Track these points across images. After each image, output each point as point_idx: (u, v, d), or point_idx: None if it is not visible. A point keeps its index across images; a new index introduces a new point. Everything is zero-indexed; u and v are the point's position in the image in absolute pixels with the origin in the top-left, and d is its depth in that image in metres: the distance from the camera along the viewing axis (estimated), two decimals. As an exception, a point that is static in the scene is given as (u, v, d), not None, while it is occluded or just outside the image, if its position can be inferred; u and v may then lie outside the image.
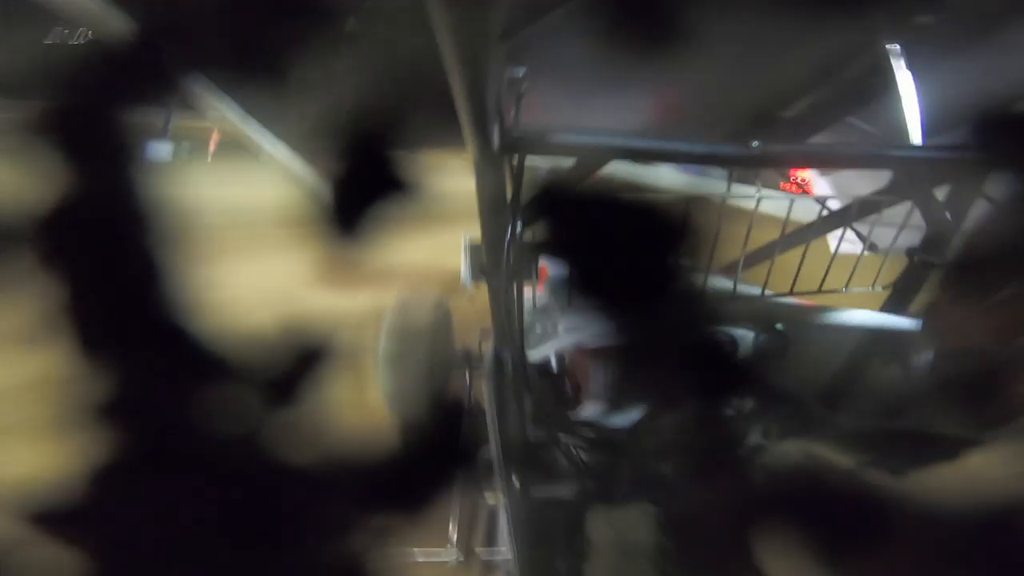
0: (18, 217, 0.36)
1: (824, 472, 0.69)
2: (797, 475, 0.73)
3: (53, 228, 0.37)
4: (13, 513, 0.34)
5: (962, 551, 0.52)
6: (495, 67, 0.62)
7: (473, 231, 1.06)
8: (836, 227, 1.26)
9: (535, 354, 1.23)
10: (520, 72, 0.70)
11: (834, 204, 1.26)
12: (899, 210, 1.16)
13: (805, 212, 1.26)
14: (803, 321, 1.32)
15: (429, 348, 1.80)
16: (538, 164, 0.89)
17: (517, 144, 0.73)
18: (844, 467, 0.67)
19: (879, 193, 1.18)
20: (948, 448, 0.62)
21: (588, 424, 1.23)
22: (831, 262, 1.20)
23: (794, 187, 1.71)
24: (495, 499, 1.33)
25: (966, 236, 0.99)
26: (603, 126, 0.80)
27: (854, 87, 0.86)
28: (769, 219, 1.13)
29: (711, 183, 1.03)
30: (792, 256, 1.23)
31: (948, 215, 1.05)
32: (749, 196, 1.00)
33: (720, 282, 1.29)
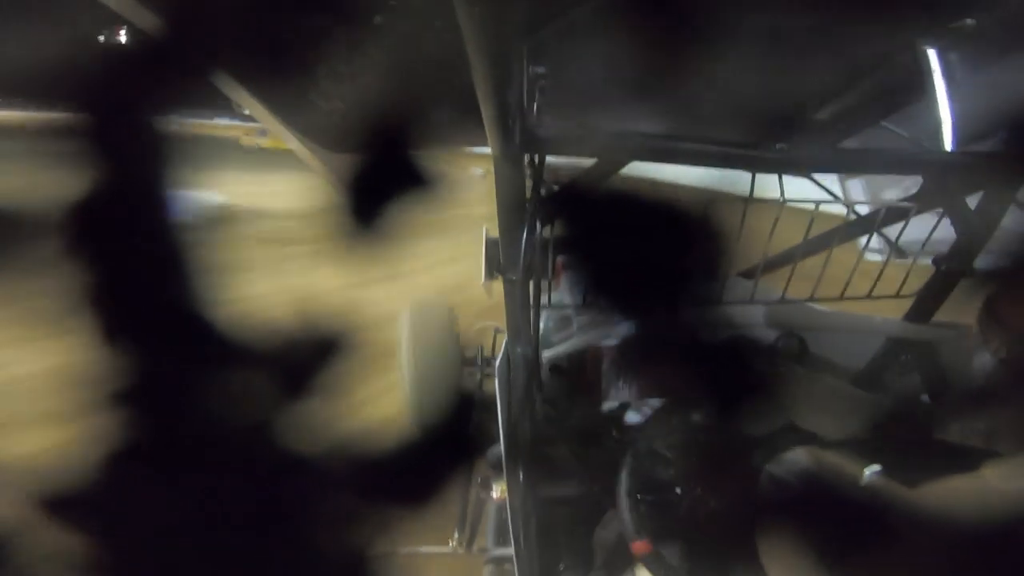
0: (42, 208, 0.37)
1: (835, 479, 0.68)
2: (808, 481, 0.72)
3: (76, 219, 0.38)
4: (23, 497, 0.35)
5: (972, 562, 0.51)
6: (517, 65, 0.62)
7: (492, 228, 1.06)
8: (863, 233, 1.23)
9: (549, 351, 1.23)
10: (541, 70, 0.69)
11: (862, 209, 1.23)
12: (926, 218, 1.14)
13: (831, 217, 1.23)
14: (822, 327, 1.30)
15: (444, 350, 1.83)
16: (558, 162, 0.89)
17: (538, 142, 0.73)
18: (855, 475, 0.66)
19: (908, 199, 1.15)
20: (964, 459, 0.61)
21: (600, 423, 1.22)
22: (855, 268, 1.18)
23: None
24: (502, 496, 1.33)
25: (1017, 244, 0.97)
26: (623, 126, 0.79)
27: (888, 90, 0.84)
28: (794, 222, 1.11)
29: (735, 184, 1.02)
30: (816, 260, 1.21)
31: (979, 223, 1.02)
32: (773, 200, 0.98)
33: (741, 285, 1.28)
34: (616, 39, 0.68)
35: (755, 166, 0.82)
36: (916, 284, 1.18)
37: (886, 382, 1.29)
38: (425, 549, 1.29)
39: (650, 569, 0.87)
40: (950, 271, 1.10)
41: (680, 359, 0.72)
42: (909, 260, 1.18)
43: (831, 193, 1.18)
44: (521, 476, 1.05)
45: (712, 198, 0.92)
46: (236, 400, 0.43)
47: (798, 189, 1.08)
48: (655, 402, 1.20)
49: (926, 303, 1.18)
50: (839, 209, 1.24)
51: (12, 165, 0.39)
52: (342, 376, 0.48)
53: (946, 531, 0.54)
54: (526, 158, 0.79)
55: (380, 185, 0.57)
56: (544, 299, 1.05)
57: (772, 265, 1.36)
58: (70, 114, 0.38)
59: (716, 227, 0.85)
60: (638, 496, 0.90)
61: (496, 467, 1.20)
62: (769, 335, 1.32)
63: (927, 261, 1.14)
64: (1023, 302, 0.67)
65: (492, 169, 0.74)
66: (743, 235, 1.00)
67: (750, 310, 1.25)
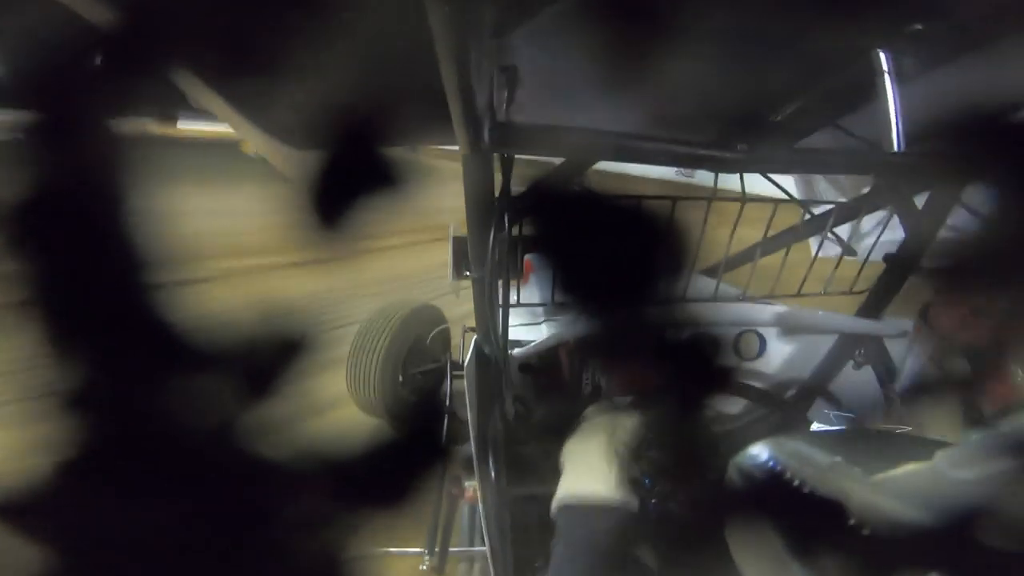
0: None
1: (798, 471, 0.70)
2: (772, 474, 0.74)
3: (25, 216, 0.36)
4: None
5: (929, 550, 0.53)
6: (486, 64, 0.62)
7: (459, 226, 1.06)
8: (817, 232, 1.28)
9: (518, 350, 1.23)
10: (510, 69, 0.70)
11: (816, 209, 1.28)
12: (879, 216, 1.19)
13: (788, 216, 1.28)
14: (781, 323, 1.34)
15: (398, 348, 1.86)
16: (526, 160, 0.89)
17: (506, 140, 0.73)
18: (817, 466, 0.68)
19: (860, 199, 1.20)
20: (919, 448, 0.63)
21: (569, 420, 1.23)
22: (811, 266, 1.22)
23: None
24: (473, 495, 1.33)
25: (959, 240, 1.01)
26: (591, 125, 0.80)
27: (842, 92, 0.87)
28: (753, 221, 1.14)
29: (698, 183, 1.04)
30: (774, 259, 1.25)
31: (926, 222, 1.07)
32: (735, 199, 1.01)
33: (703, 283, 1.31)
34: (584, 39, 0.68)
35: (717, 166, 0.84)
36: (869, 282, 1.23)
37: (840, 375, 1.34)
38: (397, 550, 1.27)
39: None
40: (899, 268, 1.15)
41: (645, 356, 0.73)
42: (861, 258, 1.23)
43: (787, 193, 1.22)
44: (492, 475, 1.05)
45: (676, 196, 0.94)
46: (198, 403, 0.42)
47: (759, 189, 1.12)
48: (622, 399, 1.22)
49: (877, 299, 1.23)
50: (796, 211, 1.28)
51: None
52: (307, 377, 0.47)
53: (903, 519, 0.56)
54: (495, 156, 0.79)
55: (345, 183, 0.56)
56: (512, 298, 1.05)
57: (733, 263, 1.40)
58: (17, 111, 0.36)
59: (680, 225, 0.87)
60: None
61: (467, 466, 1.19)
62: (731, 332, 1.36)
63: (879, 259, 1.19)
64: (952, 308, 0.70)
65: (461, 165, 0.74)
66: (705, 233, 1.03)
67: (712, 307, 1.28)
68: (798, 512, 0.67)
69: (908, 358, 1.21)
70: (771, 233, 1.18)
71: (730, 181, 0.95)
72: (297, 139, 0.77)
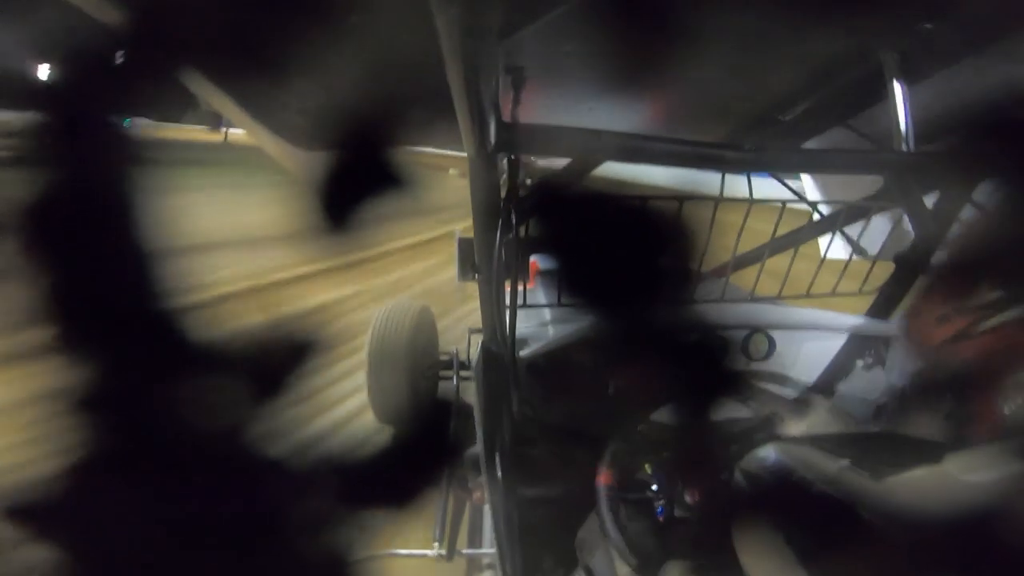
0: (1, 208, 0.35)
1: (806, 473, 0.69)
2: (779, 476, 0.73)
3: (36, 220, 0.36)
4: None
5: (938, 553, 0.52)
6: (492, 65, 0.62)
7: (465, 227, 1.06)
8: (826, 232, 1.27)
9: (525, 351, 1.23)
10: (516, 70, 0.70)
11: (825, 209, 1.27)
12: (889, 216, 1.18)
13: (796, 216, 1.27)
14: (791, 324, 1.34)
15: (411, 352, 1.84)
16: (532, 162, 0.89)
17: (512, 141, 0.73)
18: (825, 469, 0.67)
19: (869, 199, 1.19)
20: (928, 452, 0.63)
21: (575, 421, 1.23)
22: (819, 266, 1.21)
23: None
24: (481, 497, 1.33)
25: (948, 243, 1.01)
26: (598, 126, 0.80)
27: (851, 92, 0.86)
28: (761, 222, 1.14)
29: (706, 184, 1.04)
30: (782, 259, 1.25)
31: (936, 222, 1.06)
32: (742, 199, 1.00)
33: (711, 283, 1.30)
34: (590, 41, 0.68)
35: (725, 166, 0.84)
36: (878, 282, 1.22)
37: (850, 376, 1.33)
38: (404, 552, 1.28)
39: (606, 502, 0.90)
40: (909, 268, 1.14)
41: (653, 357, 0.73)
42: (871, 258, 1.22)
43: (796, 193, 1.22)
44: (500, 476, 1.05)
45: (683, 196, 0.93)
46: (207, 405, 0.42)
47: (765, 190, 1.11)
48: (629, 399, 1.21)
49: (887, 300, 1.22)
50: (805, 211, 1.28)
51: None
52: (316, 378, 0.47)
53: (912, 522, 0.56)
54: (501, 158, 0.79)
55: (353, 184, 0.56)
56: (519, 298, 1.05)
57: (741, 264, 1.39)
58: (28, 113, 0.36)
59: (688, 226, 0.87)
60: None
61: (475, 468, 1.19)
62: (740, 333, 1.35)
63: (889, 259, 1.18)
64: (931, 319, 0.69)
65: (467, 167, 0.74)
66: (713, 234, 1.02)
67: (720, 308, 1.27)
68: (806, 515, 0.67)
69: (895, 364, 1.21)
70: (779, 233, 1.17)
71: (734, 191, 0.95)
72: (305, 140, 0.78)
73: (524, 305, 1.13)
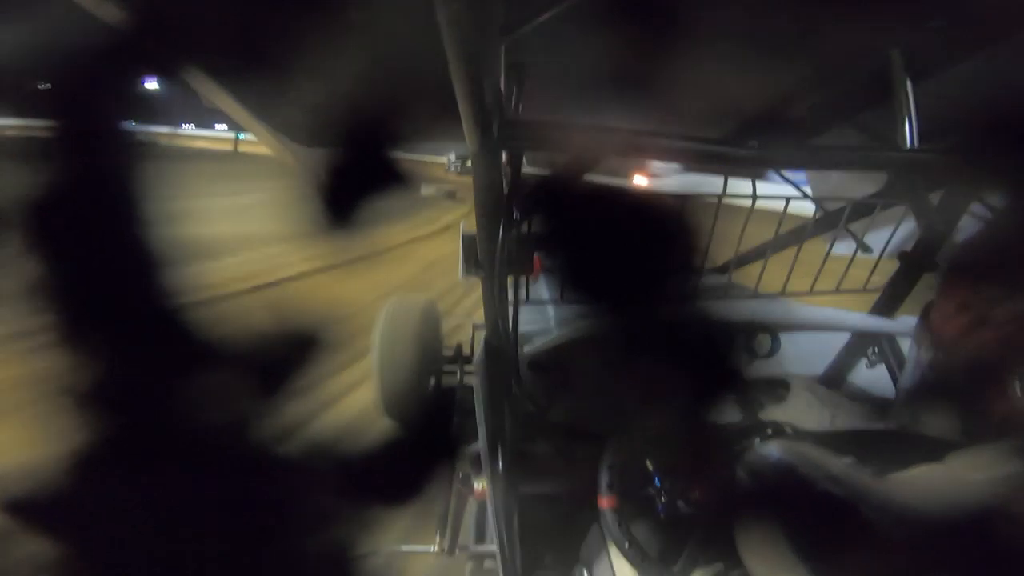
0: (9, 208, 0.36)
1: (809, 471, 0.69)
2: (782, 473, 0.73)
3: (40, 215, 0.36)
4: None
5: (942, 551, 0.52)
6: (495, 61, 0.62)
7: (468, 224, 1.06)
8: (830, 229, 1.26)
9: (528, 347, 1.23)
10: (519, 66, 0.69)
11: (829, 206, 1.26)
12: (893, 213, 1.17)
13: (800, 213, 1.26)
14: (794, 321, 1.33)
15: (417, 348, 1.84)
16: (536, 158, 0.89)
17: (515, 137, 0.73)
18: (828, 467, 0.67)
19: (874, 196, 1.19)
20: (932, 450, 0.63)
21: (577, 418, 1.23)
22: (823, 263, 1.21)
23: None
24: (483, 493, 1.33)
25: (964, 240, 1.00)
26: (601, 122, 0.80)
27: (857, 89, 0.86)
28: (764, 218, 1.13)
29: (709, 180, 1.03)
30: (786, 256, 1.24)
31: (941, 219, 1.06)
32: (745, 196, 1.00)
33: (714, 280, 1.30)
34: (594, 37, 0.68)
35: (729, 162, 0.83)
36: (882, 279, 1.22)
37: (854, 374, 1.32)
38: (407, 548, 1.28)
39: (607, 528, 0.90)
40: (913, 266, 1.14)
41: (655, 353, 0.73)
42: (875, 255, 1.21)
43: (800, 189, 1.21)
44: (502, 473, 1.05)
45: (686, 193, 0.93)
46: (211, 400, 0.42)
47: (768, 189, 1.11)
48: (632, 397, 1.21)
49: (891, 297, 1.21)
50: (808, 209, 1.27)
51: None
52: (320, 373, 0.47)
53: (916, 520, 0.55)
54: (504, 154, 0.79)
55: (356, 181, 0.56)
56: (522, 294, 1.05)
57: (744, 261, 1.39)
58: (32, 114, 0.36)
59: (691, 222, 0.86)
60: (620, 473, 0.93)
61: (477, 464, 1.20)
62: (743, 330, 1.35)
63: (894, 257, 1.17)
64: (951, 310, 0.68)
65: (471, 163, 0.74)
66: (716, 231, 1.02)
67: (724, 305, 1.27)
68: (808, 512, 0.66)
69: (909, 359, 1.20)
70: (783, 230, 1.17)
71: (737, 191, 0.95)
72: (307, 137, 0.78)
73: (527, 301, 1.13)
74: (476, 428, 1.09)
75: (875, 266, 1.22)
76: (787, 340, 1.38)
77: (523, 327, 1.12)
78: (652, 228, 0.72)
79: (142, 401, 0.40)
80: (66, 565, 0.35)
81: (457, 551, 1.34)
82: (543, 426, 1.22)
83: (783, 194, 1.14)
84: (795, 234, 1.30)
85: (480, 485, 1.32)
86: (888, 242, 1.17)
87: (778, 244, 1.26)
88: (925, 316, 0.76)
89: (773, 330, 1.37)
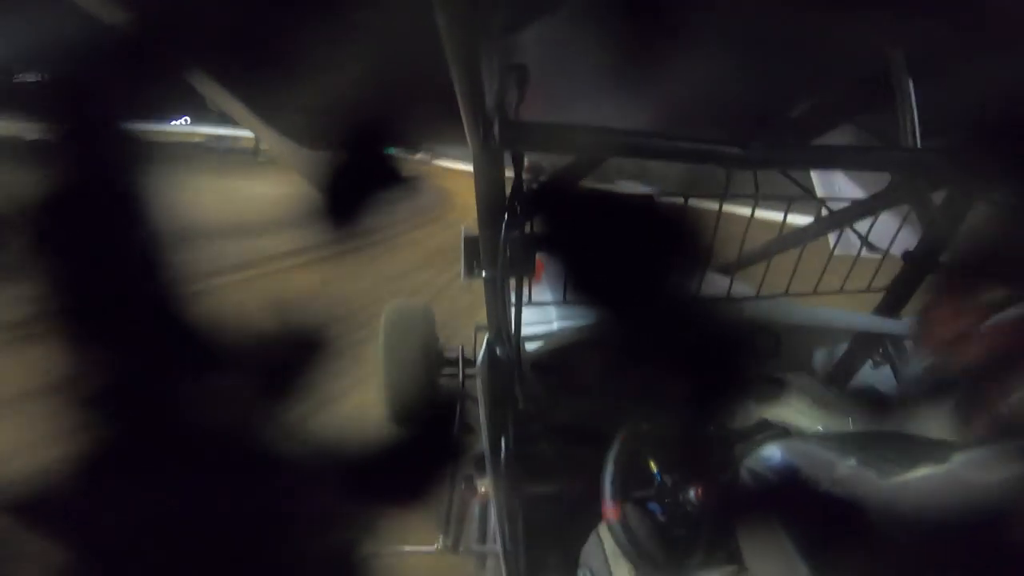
0: (10, 206, 0.36)
1: (813, 472, 0.69)
2: (785, 475, 0.73)
3: (45, 217, 0.37)
4: None
5: (946, 554, 0.52)
6: (495, 62, 0.62)
7: (470, 225, 1.06)
8: (834, 229, 1.26)
9: (531, 348, 1.23)
10: (520, 67, 0.69)
11: (833, 205, 1.26)
12: (897, 214, 1.17)
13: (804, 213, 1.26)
14: (798, 322, 1.33)
15: (422, 351, 1.85)
16: (537, 159, 0.89)
17: (516, 138, 0.73)
18: (831, 468, 0.67)
19: (878, 196, 1.18)
20: (935, 451, 0.62)
21: (580, 419, 1.23)
22: (827, 263, 1.21)
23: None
24: (486, 493, 1.33)
25: (960, 241, 1.00)
26: (603, 123, 0.80)
27: (859, 89, 0.86)
28: (765, 223, 1.13)
29: (711, 181, 1.03)
30: (789, 256, 1.24)
31: (944, 219, 1.06)
32: (748, 196, 1.00)
33: (717, 281, 1.30)
34: (595, 37, 0.68)
35: (730, 162, 0.83)
36: (887, 279, 1.22)
37: (858, 375, 1.32)
38: (410, 549, 1.28)
39: (616, 540, 0.90)
40: (918, 266, 1.13)
41: (660, 355, 0.72)
42: (879, 255, 1.21)
43: (804, 188, 1.21)
44: (504, 474, 1.05)
45: (688, 194, 0.93)
46: (214, 401, 0.42)
47: (771, 191, 1.10)
48: (635, 398, 1.21)
49: (896, 298, 1.21)
50: (810, 210, 1.27)
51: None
52: (322, 374, 0.47)
53: (920, 523, 0.55)
54: (505, 155, 0.79)
55: (357, 182, 0.56)
56: (525, 296, 1.05)
57: (747, 261, 1.39)
58: (36, 114, 0.37)
59: (694, 223, 0.86)
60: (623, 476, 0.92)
61: (480, 465, 1.20)
62: (745, 331, 1.34)
63: (898, 256, 1.17)
64: (948, 314, 0.68)
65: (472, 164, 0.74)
66: (719, 231, 1.02)
67: (727, 305, 1.26)
68: (811, 514, 0.66)
69: (908, 362, 1.20)
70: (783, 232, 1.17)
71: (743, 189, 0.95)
72: (309, 139, 0.78)
73: (529, 303, 1.13)
74: (479, 429, 1.09)
75: (879, 266, 1.21)
76: (790, 340, 1.37)
77: (525, 328, 1.12)
78: (655, 229, 0.72)
79: (142, 400, 0.40)
80: (66, 565, 0.35)
81: (461, 552, 1.34)
82: (546, 427, 1.22)
83: (786, 195, 1.13)
84: (799, 234, 1.30)
85: (484, 486, 1.32)
86: (892, 242, 1.17)
87: (781, 244, 1.25)
88: (923, 318, 0.76)
89: (776, 330, 1.36)
